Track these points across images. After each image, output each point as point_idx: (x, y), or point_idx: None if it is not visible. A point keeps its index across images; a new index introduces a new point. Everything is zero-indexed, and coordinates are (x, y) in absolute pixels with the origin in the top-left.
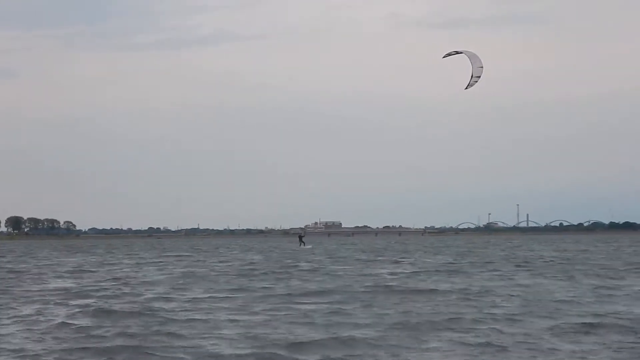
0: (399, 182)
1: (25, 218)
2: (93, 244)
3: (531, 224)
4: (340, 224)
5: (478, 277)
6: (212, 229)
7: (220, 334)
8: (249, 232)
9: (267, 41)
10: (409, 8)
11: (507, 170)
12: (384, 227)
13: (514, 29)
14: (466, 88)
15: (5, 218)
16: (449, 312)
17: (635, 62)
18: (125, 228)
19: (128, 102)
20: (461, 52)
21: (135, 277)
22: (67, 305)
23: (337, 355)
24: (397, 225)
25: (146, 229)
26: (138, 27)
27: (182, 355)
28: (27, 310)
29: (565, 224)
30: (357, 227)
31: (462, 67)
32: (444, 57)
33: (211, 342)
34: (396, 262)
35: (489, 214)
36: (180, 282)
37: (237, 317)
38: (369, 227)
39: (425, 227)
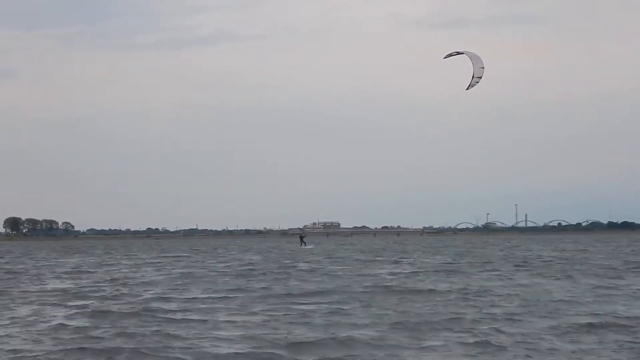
0: (398, 182)
1: (23, 219)
2: (91, 245)
3: (530, 224)
4: (339, 224)
5: (477, 277)
6: (211, 230)
7: (218, 334)
8: (247, 232)
9: (267, 41)
10: (409, 8)
11: (506, 170)
12: (382, 228)
13: (514, 29)
14: (467, 88)
15: (4, 219)
16: (447, 312)
17: (635, 62)
18: (123, 229)
19: (128, 102)
20: (462, 53)
21: (133, 278)
22: (65, 306)
23: (336, 355)
24: (396, 226)
25: (145, 229)
26: (138, 27)
27: (180, 356)
28: (25, 311)
29: (563, 223)
30: (355, 227)
31: (462, 68)
32: (445, 57)
33: (210, 343)
34: (395, 262)
35: (488, 214)
36: (179, 282)
37: (235, 318)
38: (368, 227)
39: (424, 227)
